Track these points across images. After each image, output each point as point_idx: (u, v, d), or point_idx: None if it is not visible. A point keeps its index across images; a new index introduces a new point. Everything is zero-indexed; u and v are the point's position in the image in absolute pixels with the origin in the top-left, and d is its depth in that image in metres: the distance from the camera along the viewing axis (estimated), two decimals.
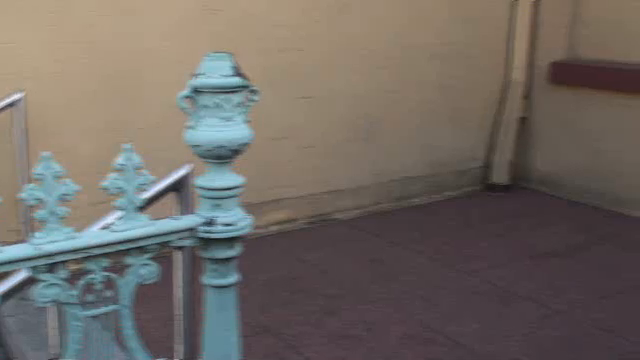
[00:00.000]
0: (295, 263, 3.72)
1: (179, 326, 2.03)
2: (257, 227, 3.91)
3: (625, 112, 4.54)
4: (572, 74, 4.82)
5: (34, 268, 1.25)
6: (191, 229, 1.41)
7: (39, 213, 1.24)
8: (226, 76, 1.38)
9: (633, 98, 4.46)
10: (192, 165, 1.84)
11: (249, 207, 1.53)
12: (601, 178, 4.69)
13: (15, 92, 3.15)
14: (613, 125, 4.61)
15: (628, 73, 4.47)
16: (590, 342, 2.94)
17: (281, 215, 4.23)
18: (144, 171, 1.34)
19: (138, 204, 1.34)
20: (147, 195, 1.60)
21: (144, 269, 1.37)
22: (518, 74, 4.97)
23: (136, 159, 1.32)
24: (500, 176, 5.00)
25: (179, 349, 2.04)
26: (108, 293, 1.34)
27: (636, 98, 4.44)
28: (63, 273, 1.28)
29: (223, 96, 1.38)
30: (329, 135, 4.34)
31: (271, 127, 4.02)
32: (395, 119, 4.58)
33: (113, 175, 1.31)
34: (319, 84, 4.22)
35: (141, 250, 1.36)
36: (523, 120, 5.04)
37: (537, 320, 3.14)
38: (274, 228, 4.18)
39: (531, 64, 4.99)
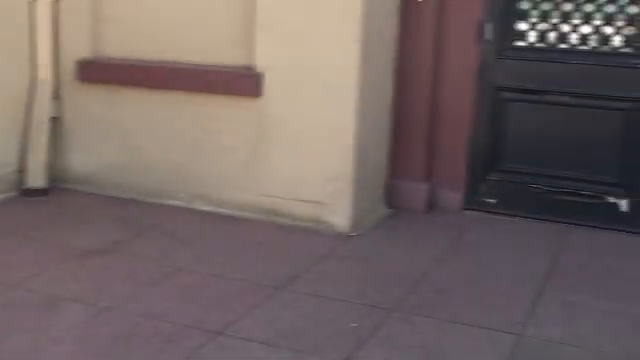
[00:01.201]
0: None
1: None
2: None
3: (153, 107, 4.76)
4: (100, 72, 4.87)
5: None
6: None
7: None
8: None
9: (157, 94, 4.70)
10: None
11: None
12: (138, 172, 4.84)
13: None
14: (145, 120, 4.79)
15: (152, 70, 4.69)
16: (138, 331, 3.03)
17: None
18: None
19: None
20: None
21: None
22: (44, 73, 4.84)
23: None
24: (36, 180, 4.83)
25: None
26: None
27: (158, 93, 4.70)
28: None
29: None
30: None
31: None
32: None
33: None
34: None
35: None
36: (55, 120, 4.94)
37: (86, 321, 3.13)
38: None
39: (57, 63, 4.90)
